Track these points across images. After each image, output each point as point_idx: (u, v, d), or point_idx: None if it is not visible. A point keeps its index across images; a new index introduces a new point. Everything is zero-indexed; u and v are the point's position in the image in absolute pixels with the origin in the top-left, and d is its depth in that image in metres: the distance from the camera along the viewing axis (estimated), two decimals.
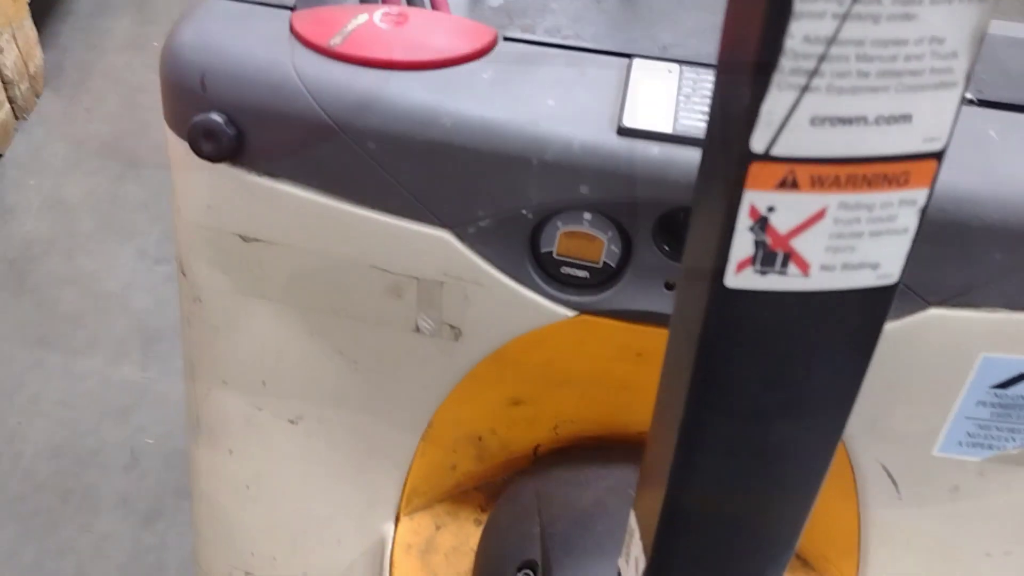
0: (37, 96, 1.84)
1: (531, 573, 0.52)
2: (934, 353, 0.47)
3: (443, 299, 0.50)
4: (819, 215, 0.30)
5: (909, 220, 0.30)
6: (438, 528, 0.61)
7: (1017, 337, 0.46)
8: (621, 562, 0.44)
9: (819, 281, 0.31)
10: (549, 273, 0.49)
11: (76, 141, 1.75)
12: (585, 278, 0.49)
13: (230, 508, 0.62)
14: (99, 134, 1.77)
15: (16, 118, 1.77)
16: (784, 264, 0.31)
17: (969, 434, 0.50)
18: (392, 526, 0.60)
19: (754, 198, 0.29)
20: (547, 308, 0.49)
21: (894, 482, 0.53)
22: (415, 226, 0.48)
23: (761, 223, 0.29)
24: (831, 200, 0.29)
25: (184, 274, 0.55)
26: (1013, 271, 0.44)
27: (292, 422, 0.58)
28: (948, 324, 0.46)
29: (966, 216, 0.43)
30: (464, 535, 0.60)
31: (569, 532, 0.51)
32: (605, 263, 0.48)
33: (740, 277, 0.30)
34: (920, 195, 0.30)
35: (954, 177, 0.43)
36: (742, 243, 0.29)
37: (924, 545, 0.55)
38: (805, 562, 0.60)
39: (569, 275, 0.49)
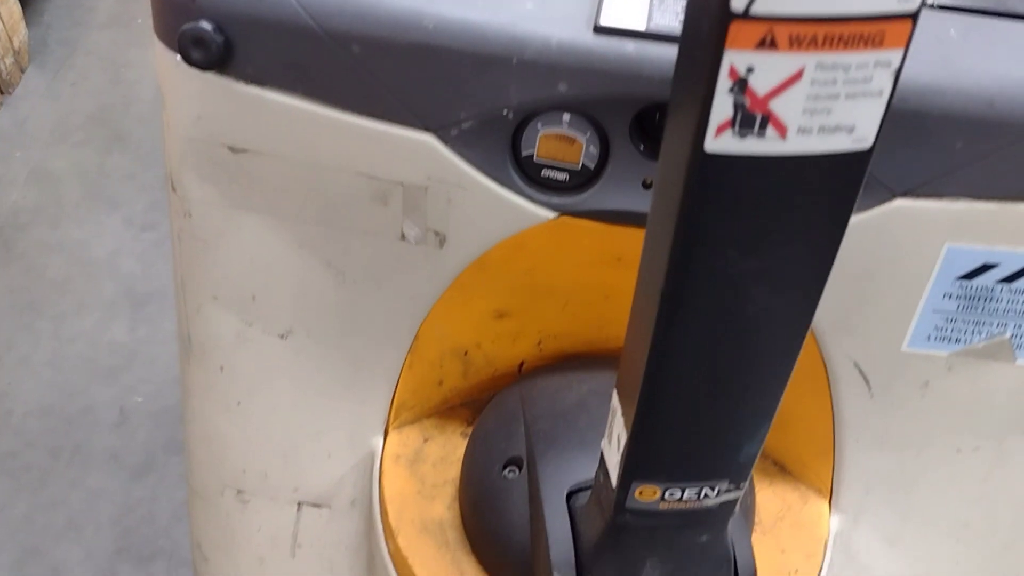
0: (22, 71, 1.84)
1: (516, 469, 0.54)
2: (901, 244, 0.49)
3: (428, 204, 0.52)
4: (797, 76, 0.31)
5: (884, 82, 0.31)
6: (426, 440, 0.62)
7: (980, 227, 0.48)
8: (604, 443, 0.46)
9: (796, 144, 0.32)
10: (530, 176, 0.50)
11: (62, 114, 1.76)
12: (564, 180, 0.50)
13: (221, 426, 0.64)
14: (84, 108, 1.78)
15: (1, 92, 1.78)
16: (762, 127, 0.32)
17: (937, 328, 0.52)
18: (381, 439, 0.62)
19: (734, 58, 0.30)
20: (528, 210, 0.51)
21: (866, 379, 0.54)
22: (399, 130, 0.49)
23: (740, 84, 0.31)
24: (809, 60, 0.30)
25: (174, 189, 0.56)
26: (974, 160, 0.46)
27: (282, 337, 0.59)
28: (914, 214, 0.47)
29: (928, 106, 0.45)
30: (451, 447, 0.62)
31: (552, 429, 0.53)
32: (584, 165, 0.50)
33: (719, 141, 0.31)
34: (895, 57, 0.31)
35: (916, 69, 0.44)
36: (722, 105, 0.31)
37: (896, 443, 0.57)
38: (783, 468, 0.62)
39: (549, 178, 0.50)
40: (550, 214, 0.51)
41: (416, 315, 0.57)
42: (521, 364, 0.63)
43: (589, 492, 0.49)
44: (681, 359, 0.39)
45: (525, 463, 0.53)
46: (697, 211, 0.33)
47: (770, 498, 0.60)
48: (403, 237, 0.54)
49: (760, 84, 0.30)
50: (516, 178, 0.50)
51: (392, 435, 0.62)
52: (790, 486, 0.60)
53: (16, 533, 1.08)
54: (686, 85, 0.33)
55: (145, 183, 1.58)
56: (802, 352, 0.54)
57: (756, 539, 0.57)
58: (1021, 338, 0.52)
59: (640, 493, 0.43)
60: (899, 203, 0.47)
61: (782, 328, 0.39)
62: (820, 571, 0.57)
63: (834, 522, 0.59)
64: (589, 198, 0.50)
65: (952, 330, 0.52)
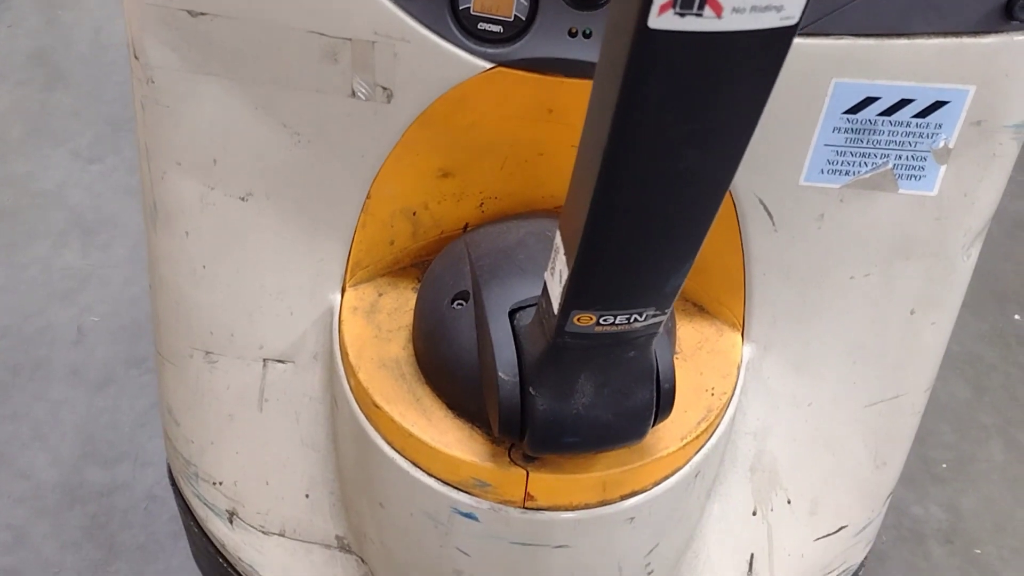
0: None
1: (463, 301, 0.60)
2: (794, 82, 0.55)
3: (375, 60, 0.57)
4: None
5: None
6: (380, 295, 0.68)
7: (863, 63, 0.55)
8: (547, 275, 0.52)
9: (730, 22, 0.35)
10: (467, 28, 0.56)
11: (1, 56, 1.75)
12: (499, 32, 0.56)
13: (187, 289, 0.68)
14: (24, 48, 1.77)
15: None
16: (701, 7, 0.35)
17: (829, 161, 0.59)
18: (339, 296, 0.67)
19: None
20: (467, 61, 0.56)
21: (769, 214, 0.61)
22: None
23: None
24: None
25: (136, 57, 0.61)
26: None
27: (243, 199, 0.64)
28: (804, 52, 0.54)
29: None
30: (404, 299, 0.67)
31: (495, 263, 0.59)
32: (516, 16, 0.55)
33: (661, 19, 0.35)
34: None
35: None
36: None
37: (798, 275, 0.64)
38: (702, 308, 0.69)
39: (485, 30, 0.56)
40: (486, 64, 0.56)
41: (367, 174, 0.63)
42: (465, 226, 0.69)
43: (530, 309, 0.55)
44: (618, 208, 0.43)
45: (471, 295, 0.59)
46: (639, 81, 0.37)
47: (690, 333, 0.67)
48: (353, 94, 0.59)
49: None
50: (455, 30, 0.55)
51: (349, 291, 0.68)
52: (707, 322, 0.67)
53: None
54: None
55: (89, 119, 1.59)
56: None
57: (678, 364, 0.64)
58: (902, 168, 0.59)
59: (578, 320, 0.49)
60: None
61: (709, 181, 0.43)
62: (734, 388, 0.64)
63: (746, 351, 0.66)
64: (521, 47, 0.56)
65: (842, 163, 0.59)
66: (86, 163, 1.51)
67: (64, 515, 1.04)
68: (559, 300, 0.48)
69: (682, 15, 0.35)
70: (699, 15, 0.35)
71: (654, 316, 0.50)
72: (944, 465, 1.18)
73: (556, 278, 0.49)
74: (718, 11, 0.35)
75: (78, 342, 1.23)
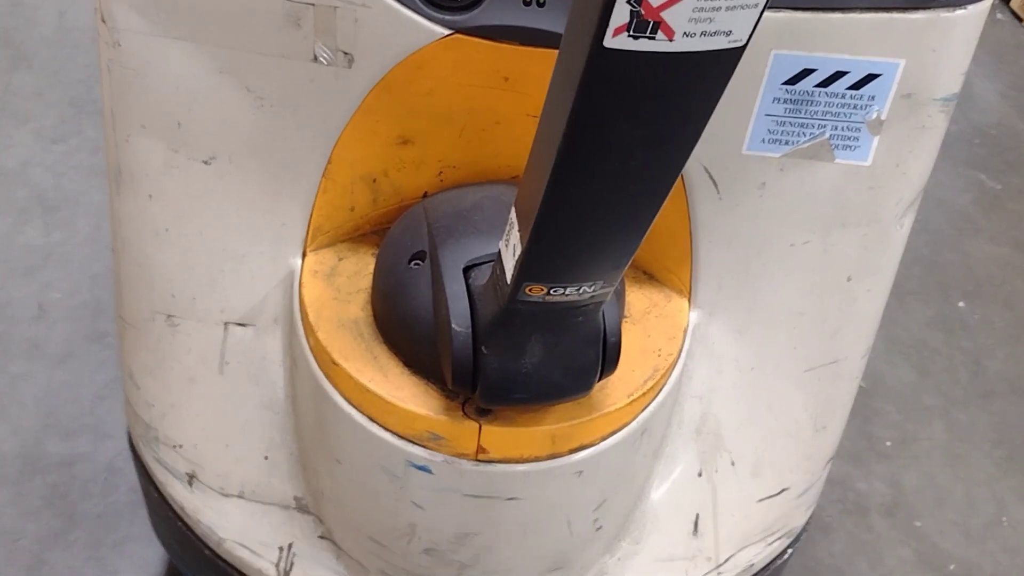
0: None
1: (420, 261, 0.62)
2: None
3: (336, 25, 0.59)
4: None
5: None
6: (340, 259, 0.70)
7: (801, 35, 0.58)
8: (502, 246, 0.54)
9: (681, 45, 0.38)
10: None
11: None
12: (457, 0, 0.58)
13: (150, 252, 0.70)
14: None
15: None
16: (654, 31, 0.38)
17: (769, 131, 0.62)
18: (300, 260, 0.69)
19: None
20: (426, 27, 0.58)
21: (714, 182, 0.64)
22: None
23: None
24: None
25: (104, 21, 0.62)
26: None
27: (206, 163, 0.66)
28: None
29: None
30: (363, 263, 0.69)
31: (451, 224, 0.61)
32: None
33: (616, 40, 0.37)
34: None
35: None
36: (621, 13, 0.37)
37: (741, 242, 0.67)
38: (651, 276, 0.71)
39: None
40: (444, 31, 0.58)
41: (328, 139, 0.65)
42: (424, 194, 0.71)
43: (484, 267, 0.57)
44: (571, 197, 0.46)
45: (428, 255, 0.61)
46: (592, 93, 0.40)
47: (639, 298, 0.69)
48: (315, 59, 0.61)
49: None
50: None
51: (310, 256, 0.69)
52: (656, 288, 0.70)
53: None
54: None
55: (53, 99, 1.59)
56: None
57: (626, 327, 0.67)
58: (838, 139, 0.62)
59: (529, 290, 0.52)
60: None
61: (658, 177, 0.46)
62: (680, 350, 0.67)
63: (693, 316, 0.69)
64: (478, 15, 0.58)
65: (782, 132, 0.62)
66: (49, 143, 1.51)
67: (24, 485, 1.05)
68: (512, 272, 0.51)
69: (635, 38, 0.37)
70: (651, 38, 0.37)
71: (603, 288, 0.52)
72: (888, 443, 1.22)
73: (510, 251, 0.52)
74: (670, 35, 0.38)
75: (39, 318, 1.23)
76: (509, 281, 0.51)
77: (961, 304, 1.40)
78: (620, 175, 0.45)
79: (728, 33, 0.38)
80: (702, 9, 0.37)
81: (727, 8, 0.37)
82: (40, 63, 1.67)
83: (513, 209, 0.51)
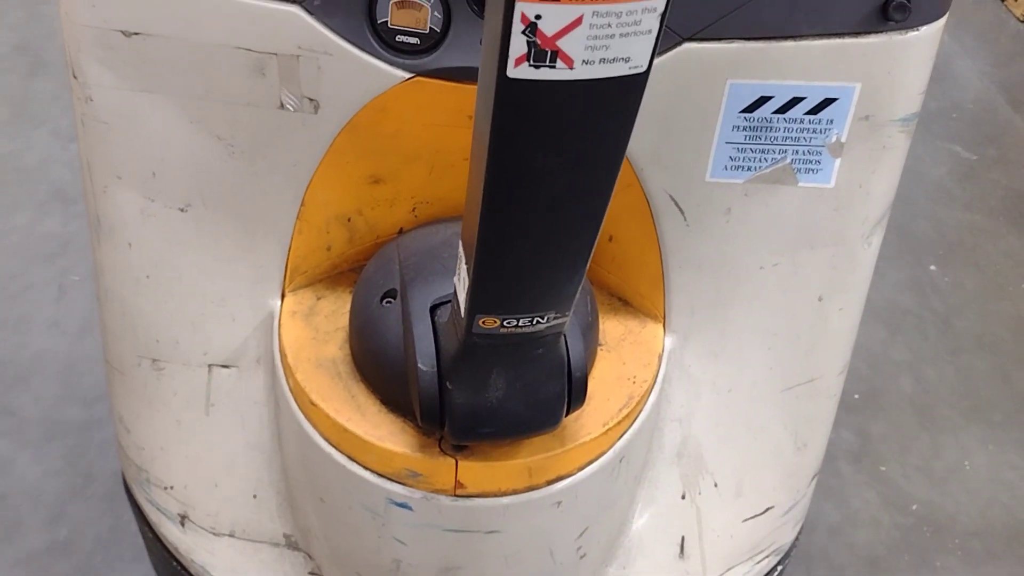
0: None
1: (392, 299, 0.63)
2: (692, 83, 0.59)
3: (300, 73, 0.60)
4: (577, 22, 0.38)
5: (652, 23, 0.38)
6: (319, 299, 0.71)
7: (756, 64, 0.59)
8: (455, 281, 0.55)
9: (582, 72, 0.39)
10: (386, 41, 0.59)
11: None
12: (416, 43, 0.59)
13: (132, 300, 0.71)
14: (7, 40, 1.86)
15: None
16: (553, 60, 0.39)
17: (731, 158, 0.63)
18: (279, 301, 0.70)
19: (524, 8, 0.37)
20: (387, 72, 0.59)
21: (680, 210, 0.65)
22: (269, 4, 0.58)
23: (531, 28, 0.38)
24: (586, 9, 0.38)
25: (75, 77, 0.63)
26: (745, 5, 0.57)
27: (182, 210, 0.67)
28: (700, 56, 0.58)
29: None
30: (341, 301, 0.70)
31: (420, 262, 0.62)
32: (432, 29, 0.59)
33: (518, 70, 0.39)
34: (659, 3, 0.38)
35: None
36: (518, 44, 0.38)
37: (711, 266, 0.68)
38: (626, 302, 0.72)
39: (403, 42, 0.59)
40: (405, 75, 0.60)
41: (299, 182, 0.66)
42: (400, 230, 0.72)
43: (448, 304, 0.58)
44: (504, 225, 0.47)
45: (399, 293, 0.62)
46: (505, 123, 0.41)
47: (614, 325, 0.70)
48: (282, 106, 0.62)
49: (548, 28, 0.38)
50: (374, 43, 0.59)
51: (288, 297, 0.71)
52: (631, 315, 0.71)
53: None
54: (491, 23, 0.39)
55: (69, 102, 1.64)
56: (630, 193, 0.65)
57: (601, 355, 0.68)
58: (800, 163, 0.63)
59: (483, 322, 0.52)
60: (687, 47, 0.58)
61: (586, 201, 0.47)
62: (655, 376, 0.67)
63: (668, 341, 0.70)
64: (437, 58, 0.59)
65: (744, 159, 0.63)
66: (66, 142, 1.59)
67: (46, 447, 1.15)
68: (464, 305, 0.52)
69: (536, 67, 0.39)
70: (552, 67, 0.39)
71: (556, 318, 0.53)
72: (856, 396, 1.26)
73: (462, 284, 0.53)
74: (569, 64, 0.39)
75: (59, 299, 1.31)
76: (463, 315, 0.52)
77: (933, 268, 1.45)
78: (548, 202, 0.46)
79: (627, 59, 0.39)
80: (596, 37, 0.38)
81: (620, 35, 0.38)
82: (57, 69, 1.77)
83: (460, 243, 0.52)
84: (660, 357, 0.68)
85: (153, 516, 0.78)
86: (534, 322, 0.52)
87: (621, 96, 0.41)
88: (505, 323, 0.52)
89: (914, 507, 1.18)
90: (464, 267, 0.51)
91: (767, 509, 0.76)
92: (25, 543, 1.06)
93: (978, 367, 1.35)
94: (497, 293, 0.50)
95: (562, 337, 0.57)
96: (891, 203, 0.68)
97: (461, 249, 0.52)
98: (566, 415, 0.60)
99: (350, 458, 0.63)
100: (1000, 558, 1.14)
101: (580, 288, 0.62)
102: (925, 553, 1.14)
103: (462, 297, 0.52)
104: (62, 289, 1.33)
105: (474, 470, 0.61)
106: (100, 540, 1.06)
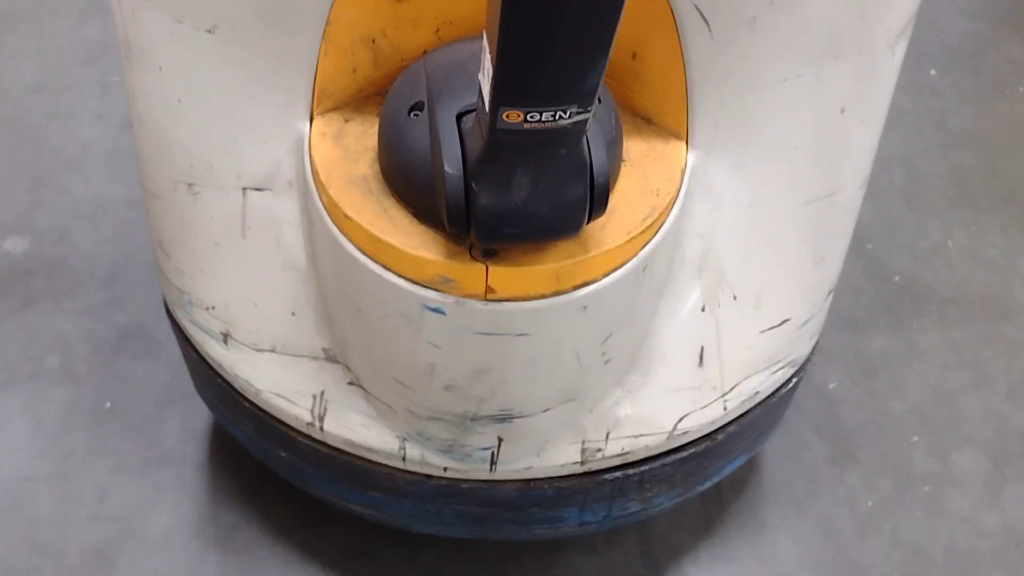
0: None
1: (419, 112, 0.64)
2: None
3: None
4: None
5: None
6: (346, 121, 0.72)
7: None
8: (480, 76, 0.56)
9: None
10: None
11: None
12: None
13: (166, 124, 0.73)
14: None
15: None
16: None
17: None
18: (308, 124, 0.72)
19: None
20: None
21: (705, 20, 0.65)
22: None
23: None
24: None
25: None
26: None
27: (209, 31, 0.68)
28: None
29: None
30: (369, 123, 0.72)
31: (448, 75, 0.63)
32: None
33: None
34: None
35: None
36: None
37: (735, 79, 0.68)
38: (648, 120, 0.73)
39: None
40: None
41: (324, 0, 0.66)
42: (423, 53, 0.73)
43: (474, 113, 0.59)
44: (527, 7, 0.48)
45: (426, 104, 0.63)
46: None
47: (637, 143, 0.71)
48: None
49: None
50: None
51: (317, 120, 0.72)
52: (654, 133, 0.72)
53: (27, 169, 1.33)
54: None
55: None
56: (654, 5, 0.65)
57: (625, 171, 0.69)
58: None
59: (507, 116, 0.54)
60: None
61: None
62: (678, 190, 0.69)
63: (691, 158, 0.71)
64: None
65: None
66: None
67: (98, 219, 1.28)
68: (489, 97, 0.53)
69: None
70: None
71: (579, 114, 0.54)
72: None
73: (486, 77, 0.54)
74: None
75: (102, 96, 1.41)
76: (487, 110, 0.54)
77: (933, 72, 1.49)
78: None
79: None
80: None
81: None
82: None
83: (484, 34, 0.53)
84: (683, 172, 0.70)
85: (196, 336, 0.82)
86: (556, 116, 0.54)
87: None
88: (529, 117, 0.53)
89: (896, 279, 1.25)
90: (488, 58, 0.53)
91: (784, 321, 0.79)
92: (86, 298, 1.19)
93: (968, 160, 1.40)
94: (520, 81, 0.51)
95: (585, 141, 0.59)
96: (915, 12, 0.67)
97: (485, 40, 0.53)
98: (588, 221, 0.62)
99: (385, 267, 0.66)
100: (973, 321, 1.24)
101: (604, 102, 0.63)
102: (903, 316, 1.22)
103: (487, 91, 0.53)
104: (104, 87, 1.43)
105: (504, 275, 0.64)
106: (151, 297, 1.17)
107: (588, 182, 0.60)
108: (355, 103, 0.74)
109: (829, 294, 0.82)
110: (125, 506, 1.03)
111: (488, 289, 0.64)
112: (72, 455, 1.06)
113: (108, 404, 1.10)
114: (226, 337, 0.80)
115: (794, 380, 0.85)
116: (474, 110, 0.60)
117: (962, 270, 1.28)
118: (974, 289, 1.27)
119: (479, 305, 0.65)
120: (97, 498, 1.03)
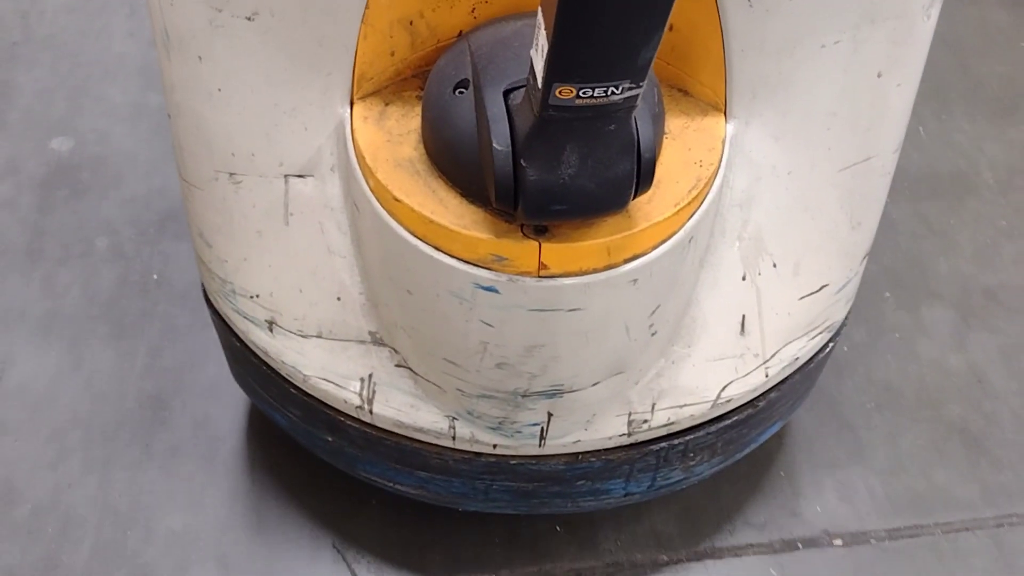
0: None
1: (464, 89, 0.65)
2: None
3: None
4: None
5: None
6: (387, 104, 0.72)
7: None
8: (532, 52, 0.56)
9: None
10: None
11: None
12: None
13: (206, 114, 0.73)
14: None
15: None
16: None
17: None
18: (348, 109, 0.72)
19: None
20: None
21: None
22: None
23: None
24: None
25: None
26: None
27: (249, 19, 0.68)
28: None
29: None
30: (410, 106, 0.72)
31: (493, 52, 0.64)
32: None
33: None
34: None
35: None
36: None
37: (773, 47, 0.69)
38: (686, 93, 0.74)
39: None
40: None
41: None
42: (459, 34, 0.73)
43: (522, 90, 0.60)
44: None
45: (471, 82, 0.64)
46: None
47: (677, 115, 0.72)
48: None
49: None
50: None
51: (357, 104, 0.72)
52: (692, 105, 0.73)
53: (66, 80, 1.43)
54: None
55: None
56: None
57: (667, 143, 0.70)
58: None
59: (560, 92, 0.54)
60: None
61: None
62: (720, 160, 0.70)
63: (729, 127, 0.72)
64: None
65: None
66: None
67: (135, 122, 1.37)
68: (542, 74, 0.53)
69: None
70: None
71: (630, 89, 0.55)
72: None
73: (539, 52, 0.54)
74: None
75: (131, 15, 1.53)
76: (540, 86, 0.54)
77: None
78: None
79: None
80: None
81: None
82: None
83: (539, 9, 0.53)
84: (723, 142, 0.71)
85: (240, 324, 0.83)
86: (608, 92, 0.54)
87: None
88: (581, 93, 0.54)
89: None
90: (543, 33, 0.53)
91: (822, 287, 0.80)
92: (129, 189, 1.29)
93: (941, 60, 1.49)
94: (576, 55, 0.52)
95: (632, 116, 0.59)
96: None
97: (540, 16, 0.53)
98: (635, 196, 0.63)
99: (437, 248, 0.66)
100: (942, 196, 1.32)
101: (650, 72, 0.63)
102: None
103: (539, 67, 0.53)
104: (133, 8, 1.55)
105: (556, 251, 0.64)
106: None
107: (635, 157, 0.61)
108: (394, 86, 0.74)
109: (864, 258, 0.83)
110: (176, 360, 1.12)
111: (541, 266, 0.65)
112: (125, 317, 1.15)
113: (155, 276, 1.19)
114: (271, 324, 0.80)
115: (831, 345, 0.86)
116: (522, 87, 0.60)
117: (932, 152, 1.37)
118: (942, 168, 1.35)
119: (532, 282, 0.65)
120: (151, 355, 1.12)
